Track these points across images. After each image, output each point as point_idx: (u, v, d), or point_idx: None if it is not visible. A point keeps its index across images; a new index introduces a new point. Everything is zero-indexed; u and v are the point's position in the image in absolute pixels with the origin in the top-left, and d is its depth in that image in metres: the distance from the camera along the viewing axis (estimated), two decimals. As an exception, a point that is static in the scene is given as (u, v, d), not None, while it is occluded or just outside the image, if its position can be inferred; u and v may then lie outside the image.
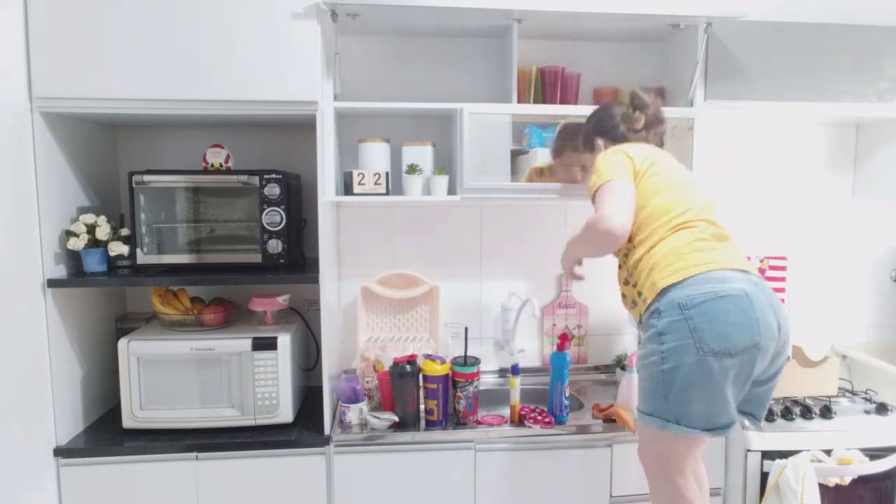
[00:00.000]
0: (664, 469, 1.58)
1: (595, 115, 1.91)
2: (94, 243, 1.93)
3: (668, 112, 2.12)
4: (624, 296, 1.76)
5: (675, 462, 1.56)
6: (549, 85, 2.17)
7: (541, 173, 2.07)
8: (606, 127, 1.85)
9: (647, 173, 1.67)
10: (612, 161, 1.69)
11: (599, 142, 1.85)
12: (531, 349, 2.47)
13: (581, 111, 2.07)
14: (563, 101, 2.17)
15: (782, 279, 2.50)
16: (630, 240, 1.66)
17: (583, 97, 2.26)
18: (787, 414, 1.99)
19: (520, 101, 2.13)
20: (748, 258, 2.48)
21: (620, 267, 1.75)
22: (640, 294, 1.63)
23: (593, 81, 2.28)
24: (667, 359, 1.48)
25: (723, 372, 1.45)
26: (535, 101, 2.17)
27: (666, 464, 1.57)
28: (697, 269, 1.53)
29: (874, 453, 1.95)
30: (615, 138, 1.82)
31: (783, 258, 2.50)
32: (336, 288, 2.26)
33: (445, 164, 2.21)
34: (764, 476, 1.94)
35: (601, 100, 2.23)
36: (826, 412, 2.01)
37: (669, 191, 1.65)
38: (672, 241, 1.59)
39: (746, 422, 1.94)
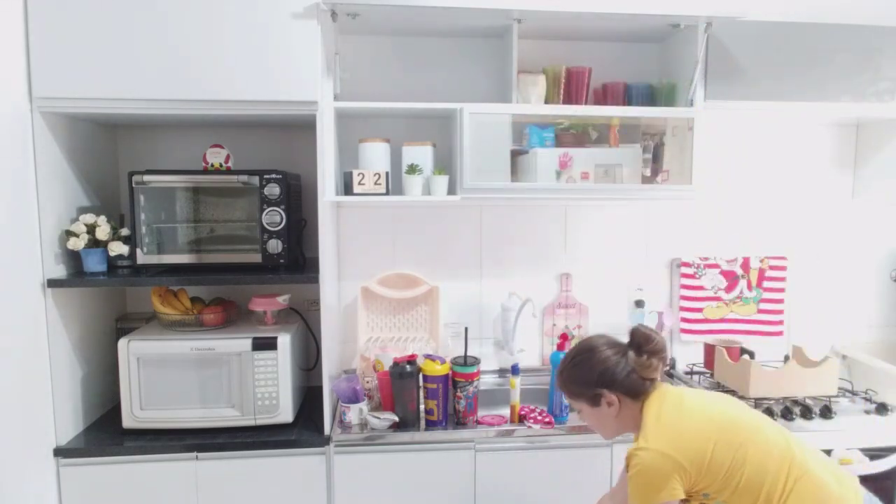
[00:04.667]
0: None
1: (587, 364, 1.51)
2: (94, 243, 1.93)
3: (668, 112, 2.14)
4: None
5: None
6: (574, 85, 2.17)
7: None
8: (617, 379, 1.48)
9: (708, 462, 1.37)
10: (655, 480, 1.36)
11: (611, 396, 1.48)
12: (531, 349, 2.47)
13: (583, 112, 2.08)
14: (579, 101, 2.17)
15: (782, 279, 2.50)
16: None
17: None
18: (787, 414, 1.98)
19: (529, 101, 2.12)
20: (748, 258, 2.49)
21: None
22: None
23: (593, 81, 2.28)
24: None
25: None
26: (561, 101, 2.16)
27: None
28: None
29: (874, 453, 1.95)
30: (629, 390, 1.48)
31: (783, 258, 2.50)
32: (336, 288, 2.26)
33: (445, 164, 2.21)
34: (764, 476, 1.94)
35: (613, 96, 2.22)
36: (826, 412, 2.00)
37: (748, 444, 1.39)
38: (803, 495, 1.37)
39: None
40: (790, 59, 2.12)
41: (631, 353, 1.50)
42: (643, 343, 1.49)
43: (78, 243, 1.90)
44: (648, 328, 1.52)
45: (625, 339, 1.54)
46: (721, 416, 1.43)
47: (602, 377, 1.49)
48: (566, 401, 1.71)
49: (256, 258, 1.98)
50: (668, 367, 1.53)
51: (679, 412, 1.44)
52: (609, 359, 1.50)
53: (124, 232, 2.00)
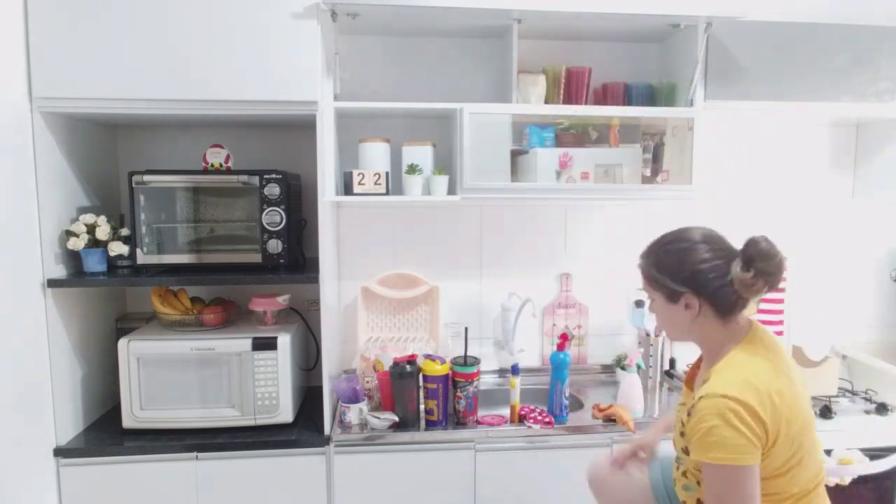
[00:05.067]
0: None
1: (681, 256, 1.31)
2: (94, 243, 1.93)
3: (668, 112, 2.14)
4: None
5: None
6: (574, 85, 2.17)
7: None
8: (709, 288, 1.28)
9: (780, 435, 1.21)
10: (735, 432, 1.17)
11: (694, 300, 1.30)
12: (531, 349, 2.47)
13: (583, 112, 2.08)
14: (579, 101, 2.17)
15: (782, 279, 2.49)
16: None
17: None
18: (787, 414, 1.98)
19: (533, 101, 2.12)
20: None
21: None
22: None
23: (593, 82, 2.28)
24: None
25: None
26: (561, 101, 2.16)
27: None
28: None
29: (874, 453, 1.95)
30: (718, 303, 1.29)
31: (783, 258, 2.50)
32: (336, 288, 2.26)
33: (445, 164, 2.21)
34: (764, 476, 1.94)
35: (613, 96, 2.22)
36: (826, 412, 2.00)
37: (810, 454, 1.27)
38: (799, 476, 1.26)
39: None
40: (790, 59, 2.12)
41: (737, 264, 1.27)
42: (756, 258, 1.26)
43: (78, 243, 1.90)
44: (770, 242, 1.29)
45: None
46: (797, 393, 1.26)
47: (692, 278, 1.28)
48: (641, 286, 1.42)
49: (256, 258, 1.98)
50: (755, 306, 1.34)
51: (772, 372, 1.24)
52: (707, 261, 1.28)
53: (124, 232, 2.00)
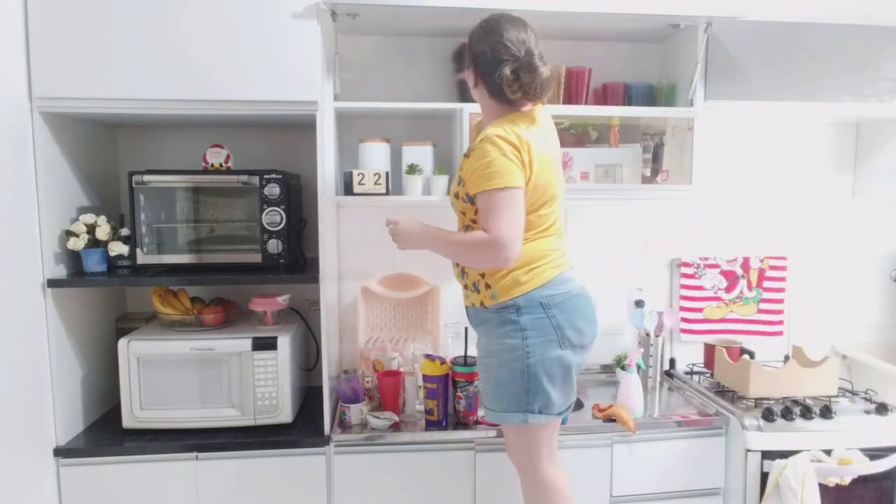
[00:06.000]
0: (535, 462, 1.68)
1: (480, 35, 1.61)
2: (94, 243, 1.93)
3: (668, 112, 2.14)
4: (464, 272, 1.70)
5: (544, 450, 1.67)
6: (574, 85, 2.17)
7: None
8: (483, 70, 1.60)
9: (533, 173, 1.54)
10: (508, 159, 1.50)
11: (472, 74, 1.64)
12: (531, 349, 2.46)
13: (583, 112, 2.08)
14: (579, 101, 2.17)
15: (782, 279, 2.50)
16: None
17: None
18: (787, 414, 1.98)
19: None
20: (748, 258, 2.49)
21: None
22: (488, 286, 1.63)
23: (593, 82, 2.28)
24: (532, 353, 1.58)
25: (576, 362, 1.64)
26: (561, 101, 2.16)
27: (536, 456, 1.67)
28: (555, 271, 1.63)
29: (874, 453, 1.95)
30: (487, 85, 1.60)
31: (783, 258, 2.50)
32: (336, 288, 2.26)
33: (445, 164, 2.21)
34: (764, 476, 1.94)
35: (613, 96, 2.22)
36: (826, 412, 2.00)
37: (553, 201, 1.63)
38: (538, 246, 1.61)
39: (746, 422, 1.95)
40: (790, 59, 2.12)
41: (508, 67, 1.54)
42: (523, 68, 1.53)
43: (78, 243, 1.90)
44: (540, 61, 1.55)
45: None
46: (555, 167, 1.63)
47: (476, 57, 1.61)
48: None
49: (256, 258, 1.98)
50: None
51: (528, 132, 1.56)
52: (493, 51, 1.56)
53: (124, 232, 2.00)
